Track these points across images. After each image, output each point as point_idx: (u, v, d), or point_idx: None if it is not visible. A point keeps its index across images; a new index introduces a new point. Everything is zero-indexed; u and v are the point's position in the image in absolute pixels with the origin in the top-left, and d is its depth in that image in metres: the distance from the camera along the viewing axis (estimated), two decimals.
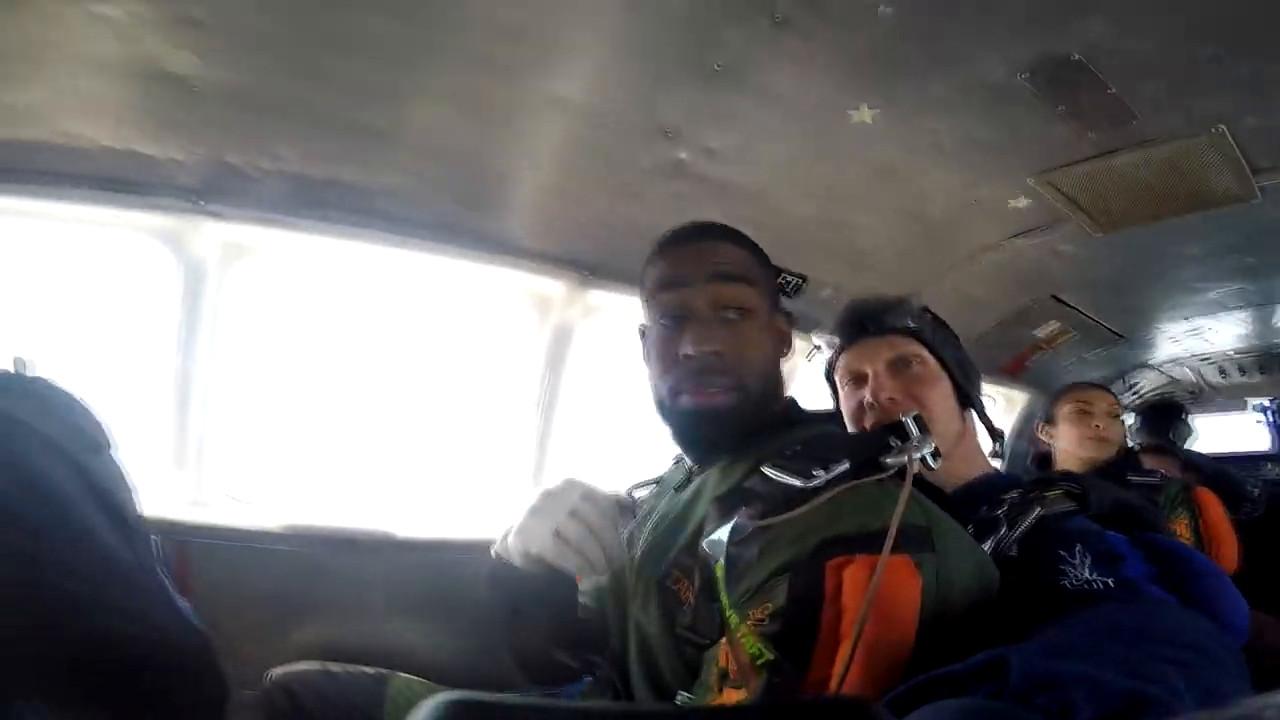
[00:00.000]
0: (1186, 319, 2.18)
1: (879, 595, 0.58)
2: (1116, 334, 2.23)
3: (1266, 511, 2.11)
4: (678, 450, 0.92)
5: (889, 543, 0.60)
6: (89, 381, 0.97)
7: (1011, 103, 1.29)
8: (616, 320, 1.75)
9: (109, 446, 0.93)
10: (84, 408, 0.93)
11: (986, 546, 0.78)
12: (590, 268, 1.62)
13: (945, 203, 1.64)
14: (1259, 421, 2.77)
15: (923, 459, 0.71)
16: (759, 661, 0.61)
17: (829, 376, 1.13)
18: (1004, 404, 2.45)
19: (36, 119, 1.05)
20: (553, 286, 1.63)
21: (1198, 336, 2.31)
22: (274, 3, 0.99)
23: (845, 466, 0.69)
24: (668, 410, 0.84)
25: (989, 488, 0.91)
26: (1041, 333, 2.11)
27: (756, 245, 0.89)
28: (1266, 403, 2.75)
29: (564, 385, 1.69)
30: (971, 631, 0.62)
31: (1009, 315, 2.02)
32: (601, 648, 0.93)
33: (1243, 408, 2.78)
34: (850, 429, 1.02)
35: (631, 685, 0.84)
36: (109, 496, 0.88)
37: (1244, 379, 2.62)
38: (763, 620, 0.63)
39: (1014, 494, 0.84)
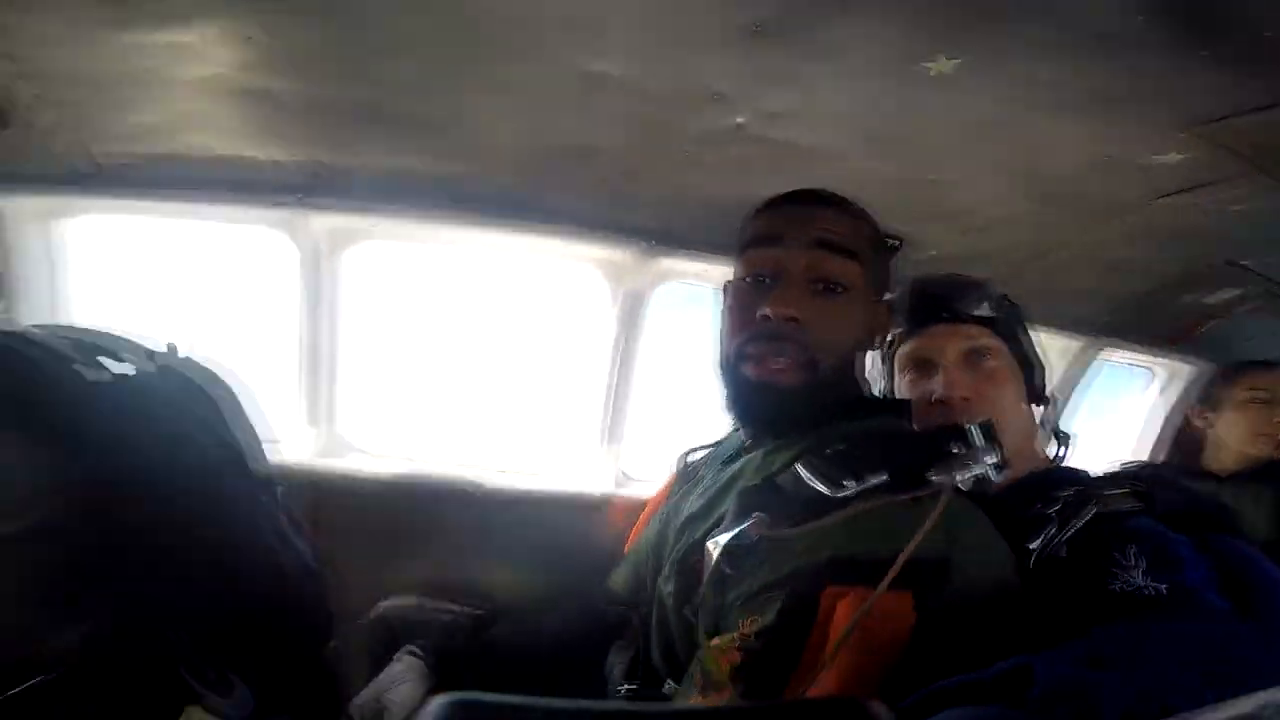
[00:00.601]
0: None
1: (864, 629, 0.57)
2: None
3: None
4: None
5: (886, 580, 0.57)
6: (231, 355, 1.24)
7: (1137, 48, 1.04)
8: (689, 286, 1.77)
9: (242, 413, 1.14)
10: (223, 382, 1.14)
11: (1034, 545, 0.75)
12: (656, 236, 1.63)
13: (1068, 159, 1.38)
14: None
15: (979, 476, 0.67)
16: (733, 672, 0.62)
17: (886, 358, 1.07)
18: (1163, 378, 2.07)
19: (160, 136, 1.27)
20: (621, 256, 1.67)
21: None
22: (316, 18, 1.08)
23: (882, 478, 0.66)
24: (729, 375, 0.83)
25: (1046, 484, 0.85)
26: (1214, 299, 1.73)
27: (873, 222, 0.84)
28: None
29: (640, 350, 1.76)
30: (995, 637, 0.60)
31: (1170, 279, 1.68)
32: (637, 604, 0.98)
33: None
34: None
35: (651, 658, 0.87)
36: (241, 456, 1.07)
37: None
38: (748, 636, 0.62)
39: (1070, 491, 0.79)
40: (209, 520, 0.97)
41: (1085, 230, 1.57)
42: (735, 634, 0.63)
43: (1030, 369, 0.99)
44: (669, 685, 0.77)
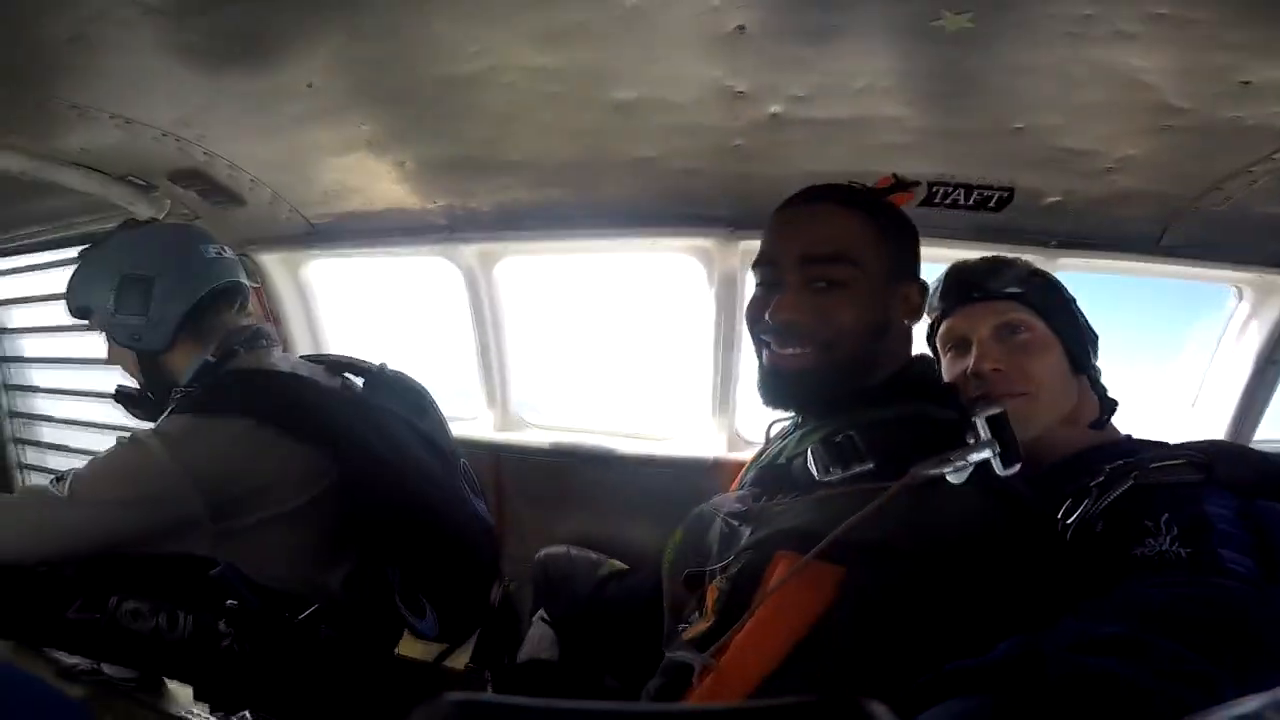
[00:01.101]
0: None
1: (785, 590, 0.64)
2: None
3: None
4: None
5: (816, 549, 0.63)
6: (427, 359, 1.76)
7: None
8: None
9: (435, 408, 1.54)
10: (420, 386, 1.54)
11: (1072, 520, 0.76)
12: (732, 222, 1.73)
13: (1194, 89, 1.12)
14: None
15: (974, 467, 0.68)
16: (714, 604, 0.73)
17: (930, 341, 1.11)
18: None
19: (349, 195, 1.78)
20: (709, 243, 1.80)
21: None
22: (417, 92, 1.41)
23: (867, 467, 0.71)
24: (758, 367, 0.90)
25: (1097, 458, 0.84)
26: None
27: (880, 212, 0.85)
28: None
29: (739, 324, 1.88)
30: (954, 623, 0.62)
31: None
32: None
33: None
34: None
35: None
36: (432, 439, 1.44)
37: None
38: (726, 580, 0.74)
39: (1119, 463, 0.77)
40: (419, 491, 1.30)
41: (1233, 176, 1.26)
42: (721, 578, 0.74)
43: (1072, 341, 0.95)
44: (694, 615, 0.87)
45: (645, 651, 0.91)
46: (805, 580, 0.64)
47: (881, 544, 0.65)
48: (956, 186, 1.53)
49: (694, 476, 1.84)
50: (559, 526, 1.88)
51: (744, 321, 1.80)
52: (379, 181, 1.71)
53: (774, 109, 1.37)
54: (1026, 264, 0.98)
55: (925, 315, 1.03)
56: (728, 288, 1.84)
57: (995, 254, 1.04)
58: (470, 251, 1.94)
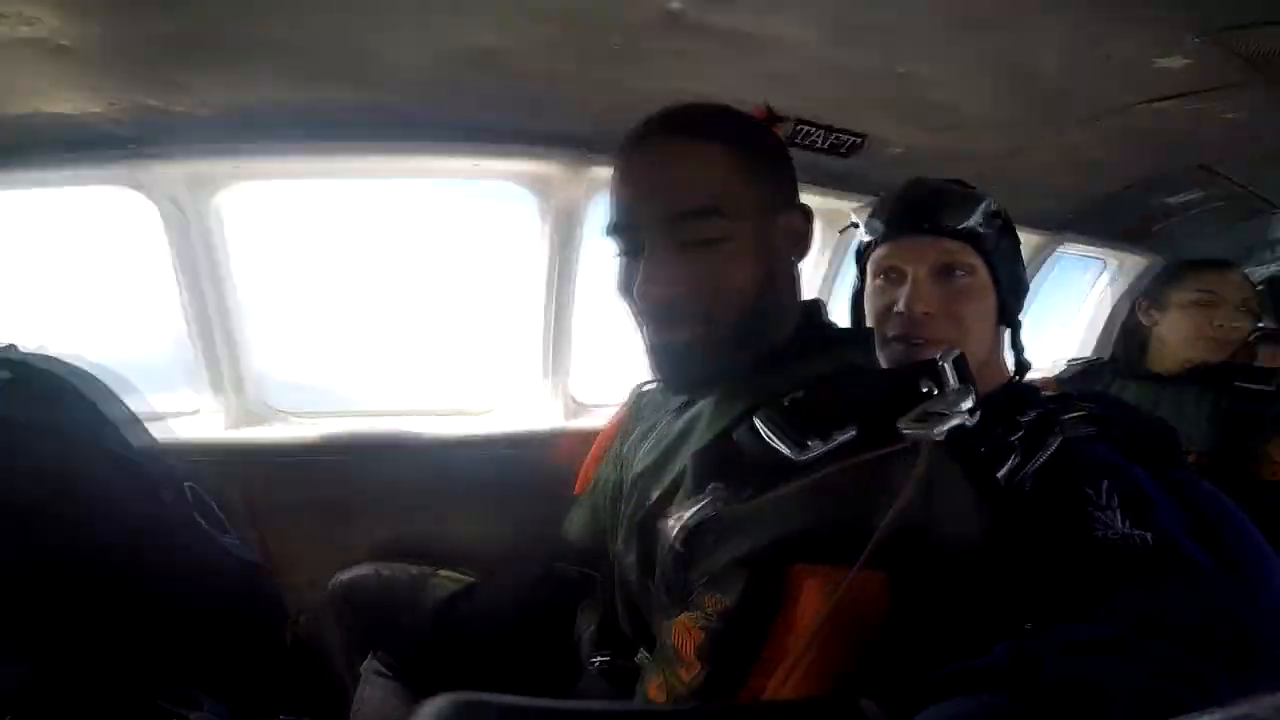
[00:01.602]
0: None
1: (836, 613, 0.52)
2: (1271, 204, 1.71)
3: None
4: None
5: (860, 561, 0.52)
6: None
7: None
8: None
9: (125, 420, 1.00)
10: (92, 376, 0.98)
11: (1000, 474, 0.72)
12: (587, 142, 1.40)
13: (1063, 57, 1.20)
14: None
15: (957, 426, 0.58)
16: (697, 651, 0.58)
17: (859, 259, 0.99)
18: (1115, 271, 2.05)
19: None
20: (549, 168, 1.44)
21: None
22: None
23: (850, 435, 0.58)
24: (642, 339, 0.75)
25: (1005, 405, 0.80)
26: (1176, 200, 1.66)
27: (743, 138, 0.70)
28: None
29: (577, 269, 1.60)
30: (967, 606, 0.57)
31: (1137, 182, 1.59)
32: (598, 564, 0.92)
33: None
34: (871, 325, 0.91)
35: (619, 624, 0.82)
36: (126, 466, 0.95)
37: None
38: (711, 616, 0.58)
39: (1031, 415, 0.76)
40: (112, 538, 0.89)
41: (1064, 132, 1.43)
42: (699, 613, 0.58)
43: (1008, 291, 0.91)
44: (642, 654, 0.74)
45: (540, 679, 0.81)
46: (852, 596, 0.52)
47: (921, 531, 0.55)
48: (819, 128, 1.47)
49: (529, 453, 1.56)
50: (352, 540, 1.42)
51: (581, 264, 1.56)
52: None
53: (676, 4, 1.07)
54: (990, 201, 0.89)
55: (865, 233, 0.96)
56: (567, 224, 1.52)
57: (957, 181, 0.94)
58: (173, 175, 1.22)
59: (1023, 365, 0.96)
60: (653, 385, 0.93)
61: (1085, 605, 0.54)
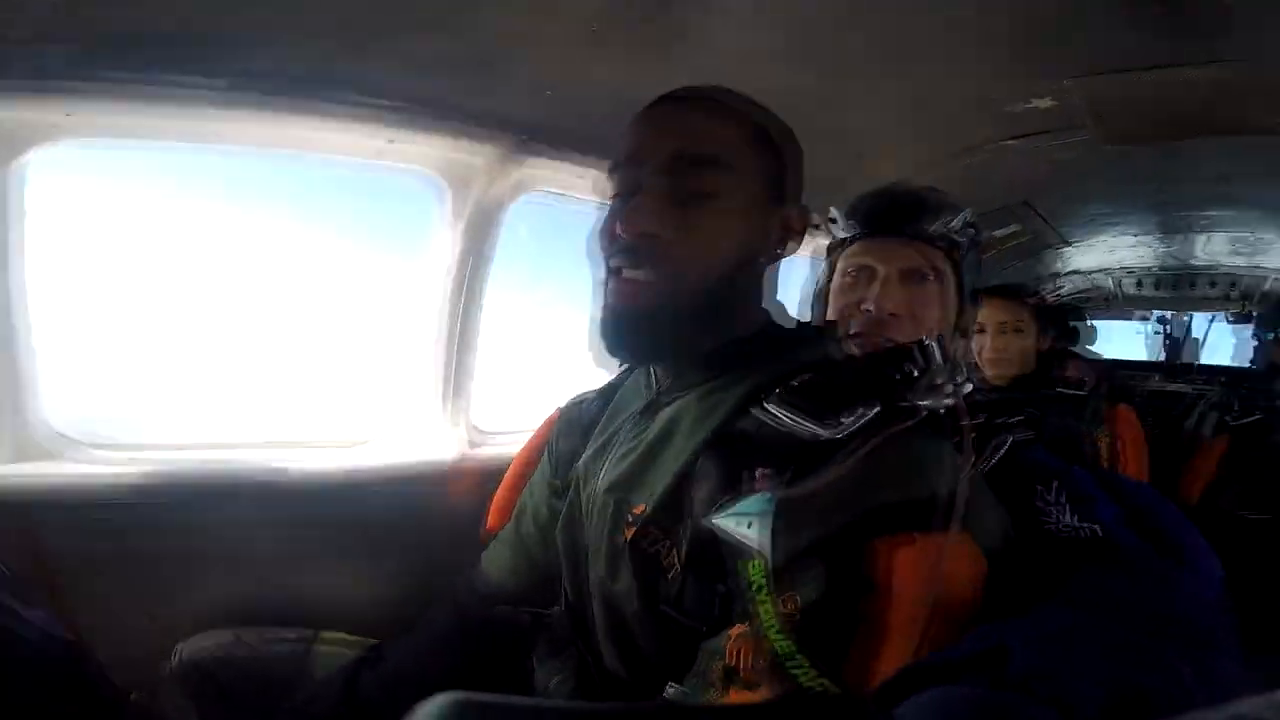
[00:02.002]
0: (1134, 235, 2.16)
1: (943, 580, 0.51)
2: (1064, 241, 2.19)
3: (1160, 431, 2.27)
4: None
5: (956, 520, 0.52)
6: None
7: None
8: (555, 200, 1.41)
9: None
10: None
11: None
12: (527, 129, 1.24)
13: (955, 94, 1.37)
14: (1156, 333, 2.99)
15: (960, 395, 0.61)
16: (789, 663, 0.52)
17: (829, 255, 1.01)
18: None
19: None
20: (479, 152, 1.24)
21: (1132, 250, 2.33)
22: None
23: (876, 410, 0.58)
24: (601, 308, 0.71)
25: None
26: (1001, 233, 2.01)
27: (765, 123, 0.71)
28: (1168, 315, 2.95)
29: (487, 278, 1.38)
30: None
31: (980, 216, 1.88)
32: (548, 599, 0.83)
33: (1146, 318, 2.97)
34: (831, 318, 0.93)
35: (606, 666, 0.72)
36: None
37: (1155, 293, 2.74)
38: (792, 614, 0.53)
39: (979, 419, 0.77)
40: None
41: (939, 165, 1.63)
42: (771, 618, 0.54)
43: (969, 301, 0.97)
44: (672, 689, 0.63)
45: None
46: (952, 565, 0.53)
47: (974, 495, 0.57)
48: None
49: (418, 491, 1.31)
50: (193, 604, 1.07)
51: (492, 268, 1.35)
52: None
53: None
54: (968, 212, 0.94)
55: (841, 230, 0.98)
56: (483, 224, 1.32)
57: (937, 189, 0.99)
58: None
59: (970, 370, 1.03)
60: (586, 399, 0.88)
61: (1041, 593, 0.55)
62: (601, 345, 0.71)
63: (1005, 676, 0.40)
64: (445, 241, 1.31)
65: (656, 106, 0.72)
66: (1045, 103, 1.37)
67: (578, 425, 0.86)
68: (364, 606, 1.16)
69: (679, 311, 0.67)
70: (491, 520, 0.98)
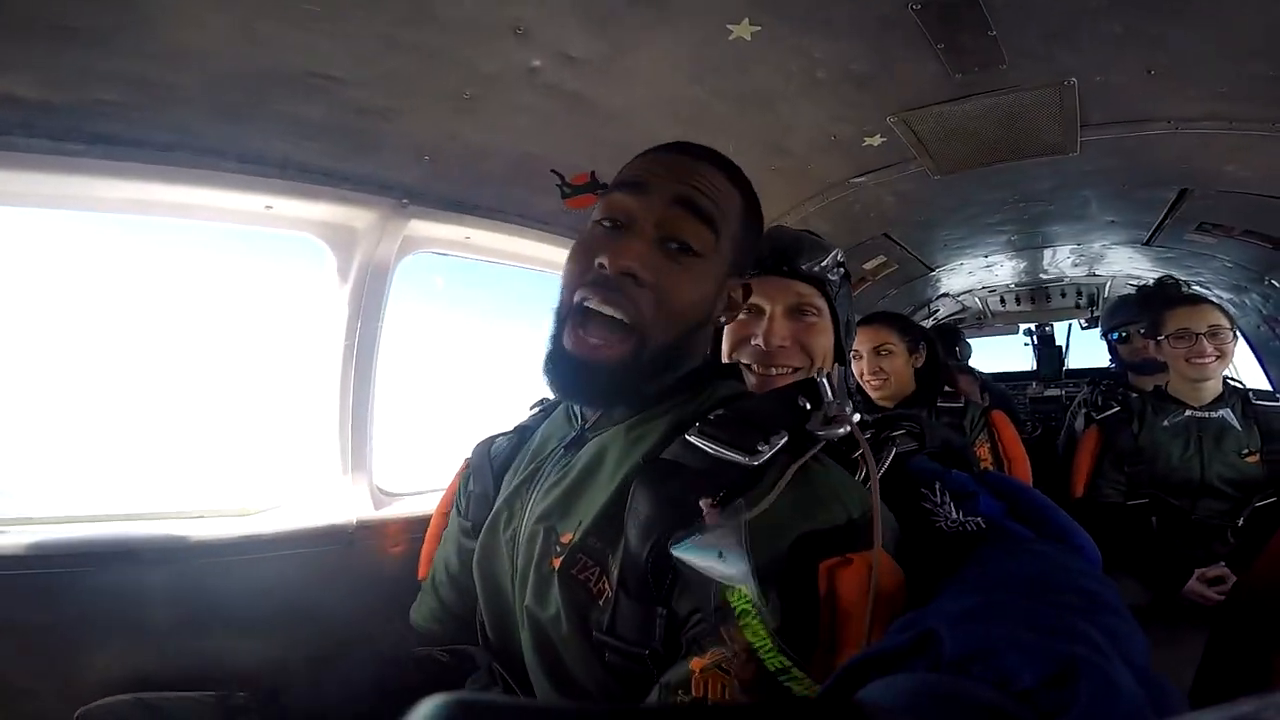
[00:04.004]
0: (985, 255, 2.41)
1: (878, 598, 0.54)
2: (928, 267, 2.41)
3: (1043, 434, 2.47)
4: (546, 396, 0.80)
5: (878, 538, 0.56)
6: None
7: (893, 35, 1.19)
8: (441, 257, 1.47)
9: None
10: None
11: None
12: (409, 192, 1.30)
13: (807, 135, 1.54)
14: (1026, 344, 3.29)
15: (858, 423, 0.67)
16: (782, 678, 0.54)
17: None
18: None
19: None
20: (359, 217, 1.28)
21: (989, 270, 2.59)
22: None
23: (785, 439, 0.63)
24: (553, 343, 0.72)
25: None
26: (869, 266, 2.19)
27: (753, 200, 0.77)
28: (1032, 328, 3.26)
29: (380, 337, 1.39)
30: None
31: (846, 251, 2.05)
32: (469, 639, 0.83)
33: (1014, 331, 3.27)
34: (726, 352, 1.00)
35: (536, 697, 0.71)
36: None
37: (1018, 308, 3.04)
38: (724, 657, 0.56)
39: (868, 435, 0.82)
40: None
41: (803, 204, 1.79)
42: (763, 638, 0.55)
43: (844, 331, 1.07)
44: None
45: None
46: (884, 578, 0.57)
47: (885, 514, 0.63)
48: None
49: (320, 552, 1.28)
50: (95, 671, 1.02)
51: (383, 327, 1.36)
52: None
53: (536, 61, 1.14)
54: (837, 252, 1.04)
55: None
56: (374, 285, 1.35)
57: (809, 233, 1.09)
58: None
59: (852, 391, 1.12)
60: (496, 441, 0.89)
61: (940, 583, 0.59)
62: (551, 382, 0.73)
63: (941, 661, 0.41)
64: (335, 303, 1.32)
65: (668, 150, 0.75)
66: (877, 140, 1.55)
67: (489, 466, 0.87)
68: (271, 670, 1.11)
69: (641, 367, 0.69)
70: (422, 570, 0.98)
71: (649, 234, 0.69)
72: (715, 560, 0.57)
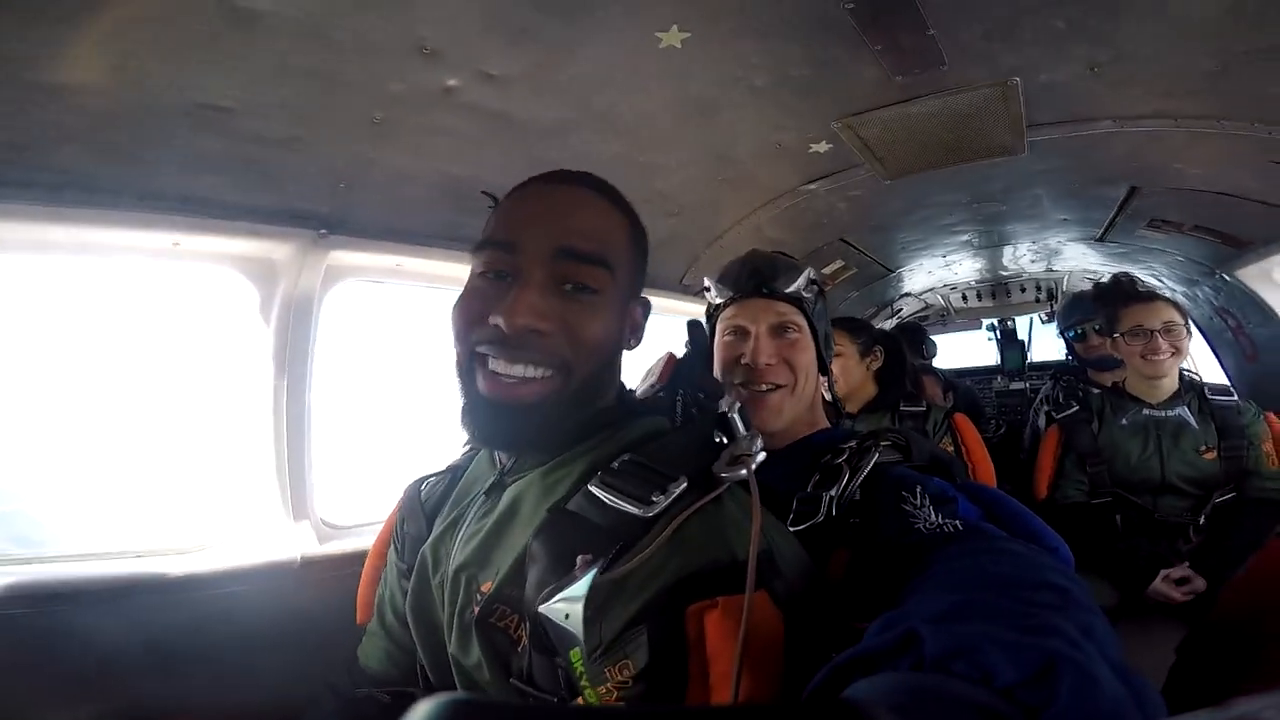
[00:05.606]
0: (943, 255, 2.40)
1: (750, 640, 0.53)
2: (887, 269, 2.39)
3: (1007, 431, 2.46)
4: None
5: (750, 581, 0.55)
6: None
7: (828, 37, 1.15)
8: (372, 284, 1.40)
9: None
10: None
11: (833, 491, 0.82)
12: (327, 223, 1.23)
13: (753, 144, 1.50)
14: (990, 339, 3.30)
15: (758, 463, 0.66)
16: None
17: (710, 318, 1.13)
18: None
19: None
20: (276, 250, 1.21)
21: (949, 269, 2.58)
22: None
23: (683, 486, 0.63)
24: (465, 388, 0.70)
25: (832, 439, 0.96)
26: (828, 270, 2.16)
27: (635, 216, 0.75)
28: (995, 322, 3.27)
29: (311, 370, 1.32)
30: (822, 600, 0.63)
31: (804, 257, 2.02)
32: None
33: (978, 327, 3.28)
34: (718, 372, 1.04)
35: None
36: None
37: (980, 304, 3.04)
38: (625, 682, 0.57)
39: (852, 444, 0.89)
40: None
41: (754, 212, 1.75)
42: (607, 685, 0.57)
43: (824, 345, 1.11)
44: None
45: None
46: (757, 620, 0.56)
47: (768, 552, 0.62)
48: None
49: (266, 589, 1.25)
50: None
51: (314, 358, 1.30)
52: None
53: (451, 80, 1.08)
54: (810, 271, 1.09)
55: (716, 296, 1.09)
56: (301, 316, 1.28)
57: (783, 254, 1.13)
58: None
59: (837, 404, 1.18)
60: (429, 481, 0.88)
61: (917, 581, 0.60)
62: (471, 432, 0.71)
63: (923, 660, 0.42)
64: (261, 336, 1.25)
65: (537, 188, 0.72)
66: (823, 146, 1.52)
67: (421, 508, 0.85)
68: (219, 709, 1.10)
69: (560, 407, 0.68)
70: (360, 615, 0.97)
71: (543, 282, 0.66)
72: (563, 620, 0.57)
